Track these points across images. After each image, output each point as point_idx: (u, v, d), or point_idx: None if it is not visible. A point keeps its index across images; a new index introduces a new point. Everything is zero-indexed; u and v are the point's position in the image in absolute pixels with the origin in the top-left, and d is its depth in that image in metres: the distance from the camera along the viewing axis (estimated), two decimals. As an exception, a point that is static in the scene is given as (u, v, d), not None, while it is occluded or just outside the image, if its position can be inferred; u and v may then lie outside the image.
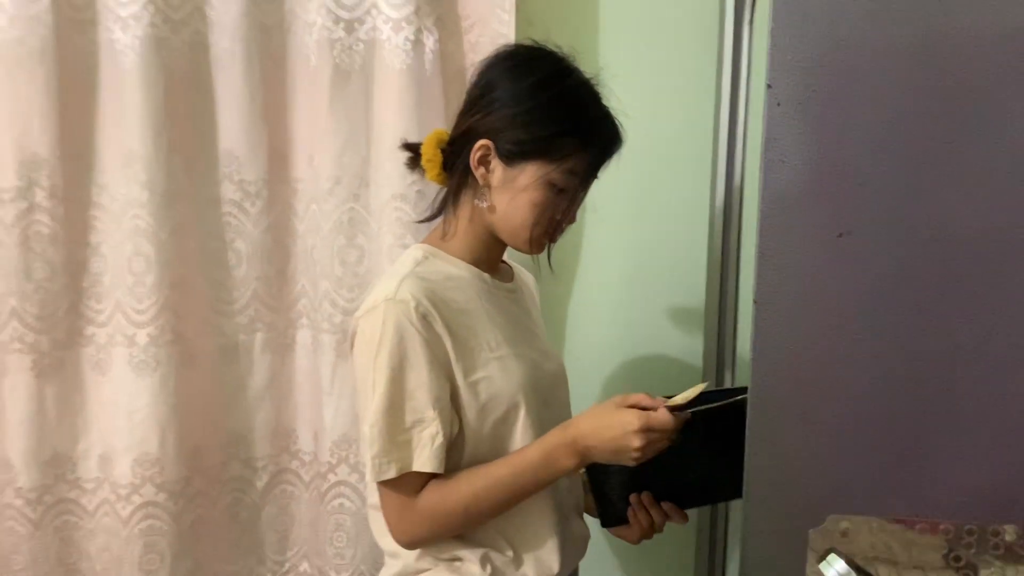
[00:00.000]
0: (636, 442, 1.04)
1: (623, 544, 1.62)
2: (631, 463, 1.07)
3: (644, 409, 1.06)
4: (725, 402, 1.09)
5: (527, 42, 1.18)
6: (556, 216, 1.14)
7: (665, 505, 1.17)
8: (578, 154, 1.11)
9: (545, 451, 1.08)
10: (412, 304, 1.06)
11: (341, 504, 1.58)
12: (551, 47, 1.15)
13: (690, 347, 1.64)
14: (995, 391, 0.85)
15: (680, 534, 1.65)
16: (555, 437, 1.09)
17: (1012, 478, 0.85)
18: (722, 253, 1.59)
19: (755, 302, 0.86)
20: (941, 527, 0.86)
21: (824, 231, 0.85)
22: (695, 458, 1.15)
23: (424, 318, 1.06)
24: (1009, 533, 0.85)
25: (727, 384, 1.63)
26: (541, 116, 1.10)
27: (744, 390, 0.92)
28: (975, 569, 0.87)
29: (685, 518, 1.19)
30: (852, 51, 0.83)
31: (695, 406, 1.08)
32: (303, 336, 1.60)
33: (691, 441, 1.10)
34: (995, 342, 0.84)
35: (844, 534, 0.88)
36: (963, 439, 0.85)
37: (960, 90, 0.83)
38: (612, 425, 1.05)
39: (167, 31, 1.45)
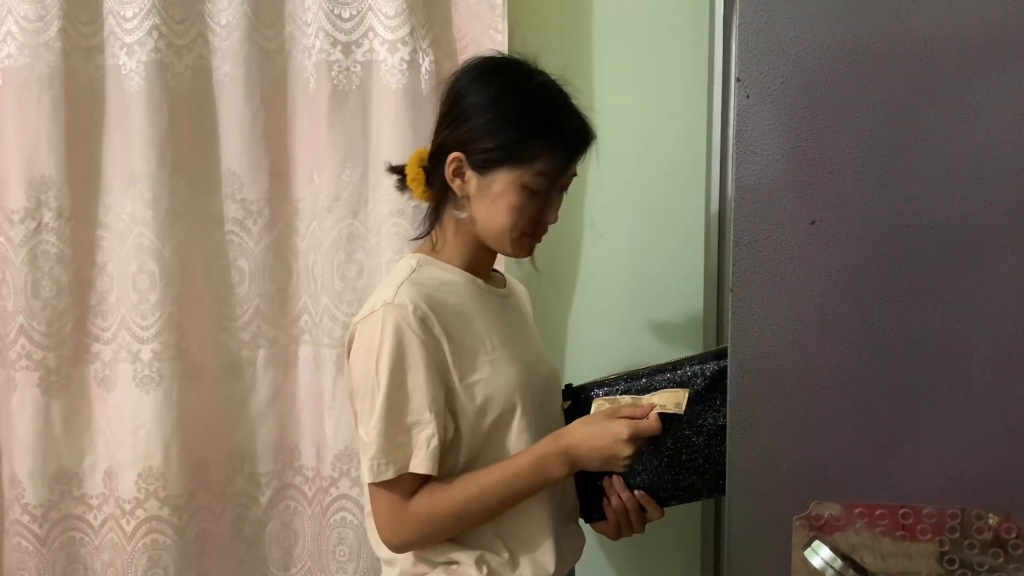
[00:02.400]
0: (626, 451, 1.07)
1: (622, 549, 1.63)
2: (621, 471, 1.11)
3: (633, 418, 1.09)
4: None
5: (490, 53, 1.21)
6: (536, 217, 1.16)
7: (638, 493, 1.16)
8: (547, 155, 1.12)
9: (537, 459, 1.10)
10: (410, 308, 1.08)
11: (343, 518, 1.59)
12: (514, 54, 1.18)
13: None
14: (969, 374, 0.85)
15: (681, 536, 1.64)
16: (547, 446, 1.11)
17: (991, 462, 0.86)
18: (719, 261, 1.60)
19: (731, 290, 0.87)
20: (924, 512, 0.86)
21: (796, 219, 0.87)
22: (677, 455, 1.15)
23: (422, 321, 1.08)
24: (992, 517, 0.85)
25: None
26: (505, 123, 1.12)
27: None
28: (971, 567, 0.87)
29: (661, 512, 1.18)
30: (818, 44, 0.86)
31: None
32: (305, 352, 1.62)
33: (672, 438, 1.12)
34: (966, 327, 0.85)
35: (828, 527, 0.88)
36: (940, 424, 0.86)
37: (926, 81, 0.85)
38: (603, 435, 1.09)
39: (171, 56, 1.50)
